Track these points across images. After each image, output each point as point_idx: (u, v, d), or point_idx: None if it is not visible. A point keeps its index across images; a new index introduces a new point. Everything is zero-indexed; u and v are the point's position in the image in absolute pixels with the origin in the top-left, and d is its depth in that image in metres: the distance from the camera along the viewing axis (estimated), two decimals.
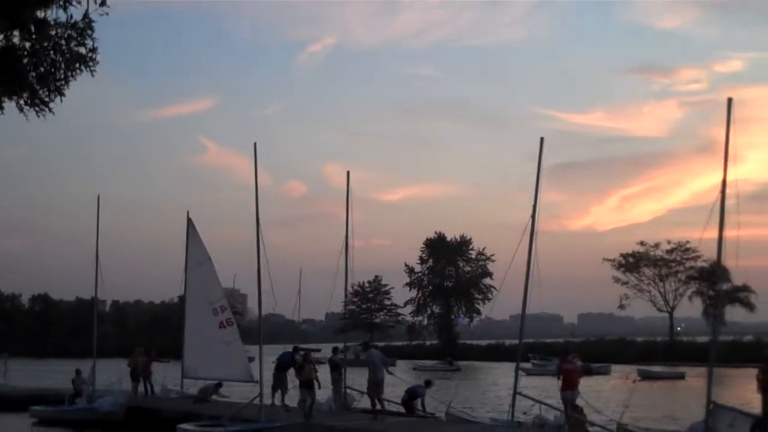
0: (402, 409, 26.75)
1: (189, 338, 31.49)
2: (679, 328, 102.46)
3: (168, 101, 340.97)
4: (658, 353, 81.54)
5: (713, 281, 44.37)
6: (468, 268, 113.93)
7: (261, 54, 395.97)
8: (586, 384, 32.49)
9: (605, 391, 44.01)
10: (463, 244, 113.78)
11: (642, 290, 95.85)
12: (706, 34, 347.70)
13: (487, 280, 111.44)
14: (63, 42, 9.86)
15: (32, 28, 9.62)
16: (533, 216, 21.24)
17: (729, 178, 17.47)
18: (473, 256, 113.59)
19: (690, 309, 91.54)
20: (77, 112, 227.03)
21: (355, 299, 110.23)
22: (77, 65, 9.96)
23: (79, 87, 10.32)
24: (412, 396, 26.97)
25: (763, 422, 18.01)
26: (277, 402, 28.02)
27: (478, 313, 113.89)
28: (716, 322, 22.49)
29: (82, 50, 9.95)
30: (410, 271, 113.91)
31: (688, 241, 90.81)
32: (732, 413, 18.04)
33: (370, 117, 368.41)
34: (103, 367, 34.73)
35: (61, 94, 10.01)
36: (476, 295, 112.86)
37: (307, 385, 24.33)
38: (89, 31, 9.85)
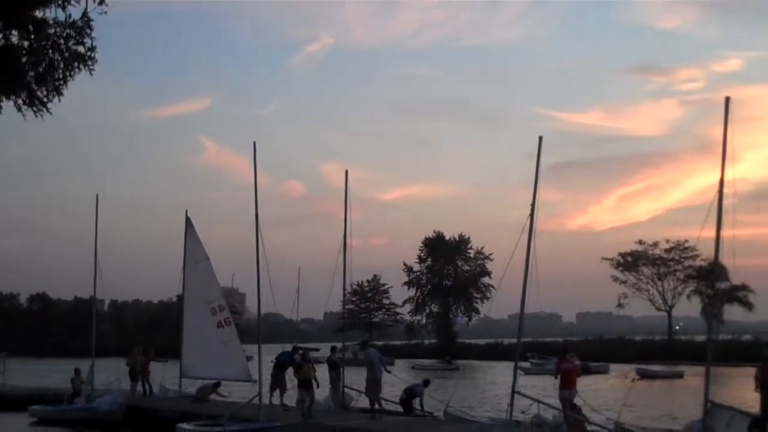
0: (400, 409, 26.76)
1: (187, 338, 31.49)
2: (677, 327, 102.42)
3: (167, 101, 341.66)
4: (657, 352, 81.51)
5: (711, 280, 44.37)
6: (466, 268, 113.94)
7: (260, 54, 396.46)
8: (584, 383, 32.55)
9: (604, 390, 44.06)
10: (462, 243, 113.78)
11: (640, 289, 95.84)
12: (705, 33, 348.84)
13: (485, 279, 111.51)
14: (62, 41, 9.86)
15: (31, 28, 9.62)
16: (531, 215, 21.27)
17: (727, 178, 17.52)
18: (472, 256, 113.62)
19: (688, 308, 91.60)
20: (76, 111, 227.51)
21: (354, 298, 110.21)
22: (76, 64, 9.96)
23: (78, 86, 10.34)
24: (410, 395, 26.96)
25: (761, 421, 18.06)
26: (276, 401, 28.03)
27: (477, 312, 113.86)
28: (715, 321, 22.54)
29: (81, 49, 9.95)
30: (409, 270, 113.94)
31: (686, 240, 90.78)
32: (730, 412, 18.06)
33: (369, 117, 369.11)
34: (101, 366, 34.74)
35: (59, 94, 10.01)
36: (475, 295, 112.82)
37: (306, 385, 24.33)
38: (88, 30, 9.86)
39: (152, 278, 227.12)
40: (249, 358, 32.53)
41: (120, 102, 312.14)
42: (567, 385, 21.35)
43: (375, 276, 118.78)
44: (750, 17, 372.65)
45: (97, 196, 34.70)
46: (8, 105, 9.93)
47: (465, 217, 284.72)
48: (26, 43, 9.77)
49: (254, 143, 25.24)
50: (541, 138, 21.78)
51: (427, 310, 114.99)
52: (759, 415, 18.30)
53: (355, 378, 28.73)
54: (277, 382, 28.26)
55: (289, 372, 27.48)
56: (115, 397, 30.13)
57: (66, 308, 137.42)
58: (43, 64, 9.84)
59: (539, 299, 21.69)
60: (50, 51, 9.87)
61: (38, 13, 9.65)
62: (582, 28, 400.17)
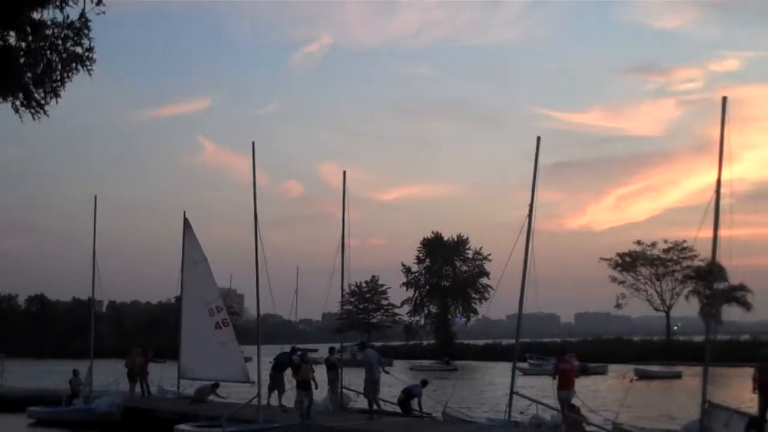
0: (398, 409, 26.77)
1: (185, 339, 31.49)
2: (675, 328, 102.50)
3: (166, 101, 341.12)
4: (655, 352, 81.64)
5: (709, 280, 44.41)
6: (465, 268, 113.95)
7: (259, 54, 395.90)
8: (583, 383, 32.59)
9: (602, 391, 44.10)
10: (460, 243, 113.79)
11: (639, 289, 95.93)
12: (704, 33, 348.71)
13: (484, 280, 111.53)
14: (59, 42, 9.85)
15: (28, 29, 9.61)
16: (530, 215, 21.30)
17: (724, 178, 17.54)
18: (470, 256, 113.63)
19: (687, 308, 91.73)
20: (74, 111, 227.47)
21: (352, 299, 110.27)
22: (74, 65, 9.96)
23: (77, 86, 10.32)
24: (408, 396, 26.98)
25: (758, 421, 18.07)
26: (274, 402, 28.02)
27: (475, 312, 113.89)
28: (713, 322, 22.55)
29: (79, 50, 9.94)
30: (407, 270, 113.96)
31: (684, 241, 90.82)
32: (727, 412, 18.08)
33: (368, 117, 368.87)
34: (100, 367, 34.76)
35: (57, 96, 10.00)
36: (473, 295, 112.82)
37: (304, 386, 24.34)
38: (86, 31, 9.85)
39: (151, 279, 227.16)
40: (248, 359, 32.52)
41: (119, 102, 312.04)
42: (565, 386, 21.37)
43: (373, 277, 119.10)
44: (749, 17, 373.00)
45: (96, 197, 34.77)
46: (5, 106, 9.93)
47: (465, 217, 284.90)
48: (24, 44, 9.76)
49: (253, 143, 25.30)
50: (539, 138, 21.82)
51: (426, 311, 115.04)
52: (756, 416, 18.31)
53: (354, 379, 28.74)
54: (276, 383, 28.26)
55: (288, 373, 27.50)
56: (113, 399, 30.12)
57: (64, 309, 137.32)
58: (41, 66, 9.83)
59: (537, 300, 21.73)
60: (48, 52, 9.87)
61: (36, 15, 9.65)
62: (582, 28, 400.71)
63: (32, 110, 9.91)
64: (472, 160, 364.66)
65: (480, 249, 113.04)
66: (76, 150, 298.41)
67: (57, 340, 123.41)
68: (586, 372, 53.99)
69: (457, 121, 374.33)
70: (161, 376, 35.31)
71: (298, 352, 28.77)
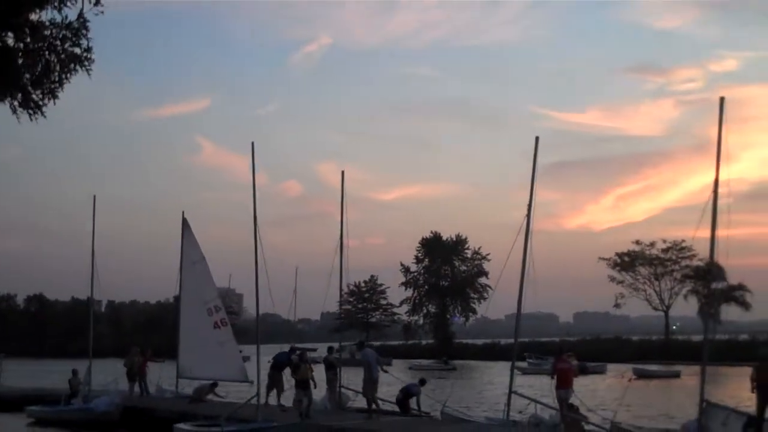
0: (397, 409, 26.79)
1: (184, 338, 31.47)
2: (674, 327, 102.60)
3: (165, 101, 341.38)
4: (654, 352, 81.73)
5: (708, 280, 44.46)
6: (464, 268, 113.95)
7: (258, 54, 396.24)
8: (582, 383, 32.61)
9: (601, 390, 44.12)
10: (459, 243, 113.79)
11: (637, 289, 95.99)
12: (703, 33, 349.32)
13: (482, 280, 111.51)
14: (58, 42, 9.86)
15: (27, 30, 9.62)
16: (528, 215, 21.32)
17: (722, 178, 17.60)
18: (469, 256, 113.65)
19: (685, 308, 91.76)
20: (74, 111, 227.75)
21: (351, 299, 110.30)
22: (72, 65, 9.97)
23: (76, 87, 10.34)
24: (406, 395, 27.00)
25: (756, 421, 18.10)
26: (272, 402, 28.04)
27: (474, 312, 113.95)
28: (711, 321, 22.58)
29: (77, 50, 9.95)
30: (406, 270, 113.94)
31: (683, 240, 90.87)
32: (725, 412, 18.11)
33: (367, 117, 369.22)
34: (99, 367, 34.76)
35: (54, 97, 10.01)
36: (472, 295, 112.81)
37: (303, 385, 24.37)
38: (84, 31, 9.86)
39: (149, 278, 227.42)
40: (246, 359, 32.54)
41: (118, 102, 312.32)
42: (563, 385, 21.41)
43: (372, 276, 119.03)
44: (748, 17, 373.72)
45: (95, 197, 34.76)
46: (3, 107, 9.94)
47: (464, 217, 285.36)
48: (22, 45, 9.77)
49: (252, 143, 25.33)
50: (537, 138, 21.84)
51: (424, 311, 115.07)
52: (754, 415, 18.34)
53: (352, 378, 28.75)
54: (274, 383, 28.27)
55: (286, 372, 27.51)
56: (112, 398, 30.13)
57: (63, 309, 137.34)
58: (39, 66, 9.84)
59: (536, 299, 21.71)
60: (46, 52, 9.88)
61: (34, 16, 9.66)
62: (581, 27, 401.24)
63: (30, 111, 9.93)
64: (471, 160, 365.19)
65: (479, 249, 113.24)
66: (76, 150, 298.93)
67: (57, 339, 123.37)
68: (584, 371, 54.03)
69: (456, 121, 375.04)
70: (160, 375, 35.32)
71: (297, 352, 28.79)
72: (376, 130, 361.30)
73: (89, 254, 34.10)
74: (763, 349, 20.78)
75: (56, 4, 9.61)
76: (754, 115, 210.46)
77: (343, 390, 27.80)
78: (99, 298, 74.45)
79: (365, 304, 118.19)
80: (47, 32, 9.76)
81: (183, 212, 32.07)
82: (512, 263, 21.58)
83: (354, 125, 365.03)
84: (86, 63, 10.03)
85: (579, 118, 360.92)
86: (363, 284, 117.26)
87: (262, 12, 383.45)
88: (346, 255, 28.37)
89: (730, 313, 77.84)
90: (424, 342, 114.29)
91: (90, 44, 9.97)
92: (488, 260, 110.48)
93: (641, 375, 56.39)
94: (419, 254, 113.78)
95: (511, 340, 25.72)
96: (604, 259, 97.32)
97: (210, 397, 30.89)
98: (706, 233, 17.70)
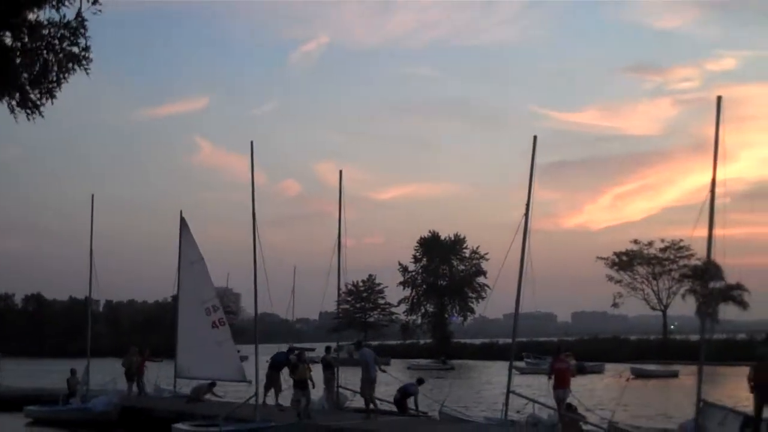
0: (395, 408, 26.79)
1: (182, 338, 31.51)
2: (672, 327, 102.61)
3: (163, 100, 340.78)
4: (652, 352, 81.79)
5: (705, 279, 44.51)
6: (462, 267, 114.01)
7: (256, 53, 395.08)
8: (580, 383, 32.65)
9: (599, 390, 44.15)
10: (457, 242, 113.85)
11: (635, 289, 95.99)
12: (701, 33, 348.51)
13: (480, 279, 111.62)
14: (56, 42, 9.86)
15: (25, 30, 9.63)
16: (526, 214, 21.37)
17: (719, 177, 17.63)
18: (467, 255, 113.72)
19: (683, 307, 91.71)
20: (72, 111, 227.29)
21: (349, 298, 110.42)
22: (70, 65, 9.97)
23: (74, 86, 10.33)
24: (404, 395, 26.99)
25: (753, 421, 18.13)
26: (270, 401, 28.05)
27: (472, 311, 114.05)
28: (709, 321, 22.60)
29: (76, 50, 9.95)
30: (404, 270, 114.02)
31: (681, 240, 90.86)
32: (723, 411, 18.14)
33: (367, 116, 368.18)
34: (97, 366, 34.73)
35: (52, 97, 10.01)
36: (470, 294, 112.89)
37: (302, 385, 24.37)
38: (82, 30, 9.86)
39: (148, 278, 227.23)
40: (244, 359, 32.53)
41: (116, 102, 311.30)
42: (561, 385, 21.45)
43: (370, 276, 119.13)
44: (746, 17, 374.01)
45: (93, 196, 34.74)
46: (1, 107, 9.94)
47: (463, 216, 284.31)
48: (20, 45, 9.77)
49: (251, 143, 25.39)
50: (535, 138, 21.87)
51: (423, 310, 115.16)
52: (751, 415, 18.36)
53: (350, 378, 28.77)
54: (272, 382, 28.27)
55: (284, 372, 27.52)
56: (110, 398, 30.13)
57: (61, 309, 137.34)
58: (37, 66, 9.84)
59: (534, 299, 21.72)
60: (44, 52, 9.88)
61: (32, 15, 9.66)
62: (579, 27, 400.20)
63: (28, 111, 9.93)
64: (471, 160, 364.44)
65: (477, 248, 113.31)
66: (75, 149, 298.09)
67: (55, 339, 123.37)
68: (582, 371, 54.04)
69: (456, 121, 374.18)
70: (158, 375, 35.34)
71: (296, 352, 28.82)
72: (375, 129, 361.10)
73: (88, 254, 34.12)
74: (761, 349, 20.82)
75: (54, 3, 9.61)
76: (753, 115, 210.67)
77: (341, 390, 27.82)
78: (97, 297, 74.54)
79: (363, 303, 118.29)
80: (45, 31, 9.76)
81: (181, 212, 32.18)
82: (510, 263, 21.64)
83: (353, 125, 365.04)
84: (84, 62, 10.02)
85: (577, 118, 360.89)
86: (361, 284, 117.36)
87: (261, 12, 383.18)
88: (344, 254, 28.46)
89: (728, 312, 77.93)
90: (422, 341, 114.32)
91: (88, 43, 9.96)
92: (486, 260, 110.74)
93: (639, 375, 56.49)
94: (417, 254, 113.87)
95: (509, 340, 25.71)
96: (602, 258, 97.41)
97: (208, 396, 30.89)
98: (703, 233, 17.75)
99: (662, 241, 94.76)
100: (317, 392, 27.14)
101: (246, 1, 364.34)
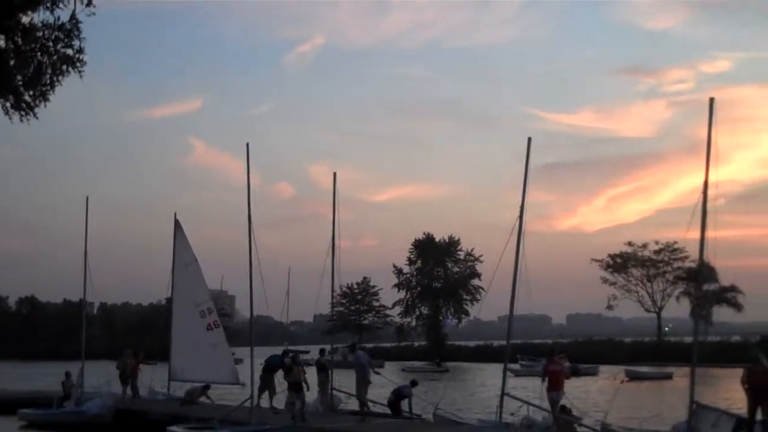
0: (388, 411, 26.79)
1: (176, 340, 31.48)
2: (666, 329, 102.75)
3: (158, 101, 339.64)
4: (646, 354, 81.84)
5: (699, 281, 44.59)
6: (456, 269, 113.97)
7: (251, 54, 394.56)
8: (574, 385, 32.69)
9: (593, 392, 44.21)
10: (452, 244, 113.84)
11: (630, 291, 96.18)
12: (694, 34, 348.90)
13: (475, 281, 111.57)
14: (50, 44, 9.86)
15: (18, 32, 9.63)
16: (520, 216, 21.42)
17: (712, 179, 17.65)
18: (461, 257, 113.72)
19: (678, 309, 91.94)
20: (67, 112, 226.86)
21: (344, 300, 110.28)
22: (65, 67, 9.97)
23: (68, 87, 10.34)
24: (398, 397, 26.96)
25: (746, 423, 18.16)
26: (264, 404, 28.03)
27: (467, 314, 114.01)
28: (703, 323, 22.65)
29: (70, 52, 9.95)
30: (398, 272, 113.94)
31: (675, 242, 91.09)
32: (715, 413, 18.18)
33: (361, 117, 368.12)
34: (91, 369, 34.72)
35: (46, 99, 10.01)
36: (464, 296, 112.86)
37: (296, 388, 24.36)
38: (76, 32, 9.87)
39: (141, 281, 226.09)
40: (239, 361, 32.49)
41: (111, 103, 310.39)
42: (554, 387, 21.49)
43: (365, 278, 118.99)
44: (740, 18, 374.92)
45: (87, 198, 34.56)
46: None
47: (457, 218, 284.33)
48: (13, 47, 9.77)
49: (247, 144, 25.33)
50: (529, 139, 21.92)
51: (417, 312, 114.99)
52: (744, 417, 18.39)
53: (344, 380, 28.75)
54: (266, 385, 28.27)
55: (279, 375, 27.50)
56: (104, 401, 30.10)
57: (55, 311, 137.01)
58: (32, 68, 9.84)
59: (529, 301, 21.77)
60: (38, 54, 9.88)
61: (26, 18, 9.66)
62: (573, 28, 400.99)
63: (21, 112, 9.92)
64: (464, 161, 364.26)
65: (471, 250, 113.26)
66: (70, 150, 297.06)
67: (50, 342, 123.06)
68: (577, 373, 54.14)
69: (449, 122, 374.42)
70: (152, 377, 35.29)
71: (290, 354, 28.80)
72: (369, 130, 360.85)
73: (82, 256, 34.00)
74: (754, 351, 20.80)
75: (48, 5, 9.62)
76: (746, 116, 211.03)
77: (335, 392, 27.81)
78: (91, 299, 74.55)
79: (358, 305, 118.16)
80: (39, 34, 9.77)
81: (175, 213, 32.12)
82: (505, 265, 21.66)
83: (347, 125, 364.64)
84: (78, 64, 10.03)
85: (570, 119, 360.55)
86: (355, 286, 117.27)
87: (255, 12, 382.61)
88: (338, 256, 28.39)
89: (722, 314, 78.02)
90: (416, 344, 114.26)
91: (82, 45, 9.98)
92: (481, 262, 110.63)
93: (633, 377, 56.45)
94: (412, 256, 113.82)
95: (504, 342, 25.74)
96: (596, 260, 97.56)
97: (202, 399, 30.86)
98: (697, 234, 17.79)
99: (656, 243, 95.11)
100: (311, 395, 27.12)
101: (240, 2, 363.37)
